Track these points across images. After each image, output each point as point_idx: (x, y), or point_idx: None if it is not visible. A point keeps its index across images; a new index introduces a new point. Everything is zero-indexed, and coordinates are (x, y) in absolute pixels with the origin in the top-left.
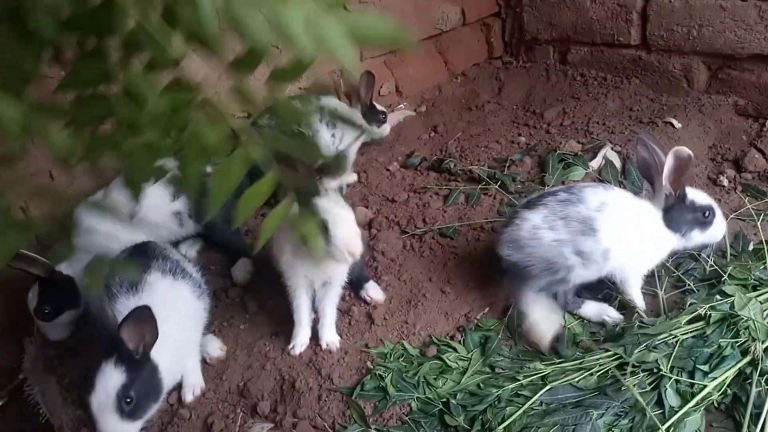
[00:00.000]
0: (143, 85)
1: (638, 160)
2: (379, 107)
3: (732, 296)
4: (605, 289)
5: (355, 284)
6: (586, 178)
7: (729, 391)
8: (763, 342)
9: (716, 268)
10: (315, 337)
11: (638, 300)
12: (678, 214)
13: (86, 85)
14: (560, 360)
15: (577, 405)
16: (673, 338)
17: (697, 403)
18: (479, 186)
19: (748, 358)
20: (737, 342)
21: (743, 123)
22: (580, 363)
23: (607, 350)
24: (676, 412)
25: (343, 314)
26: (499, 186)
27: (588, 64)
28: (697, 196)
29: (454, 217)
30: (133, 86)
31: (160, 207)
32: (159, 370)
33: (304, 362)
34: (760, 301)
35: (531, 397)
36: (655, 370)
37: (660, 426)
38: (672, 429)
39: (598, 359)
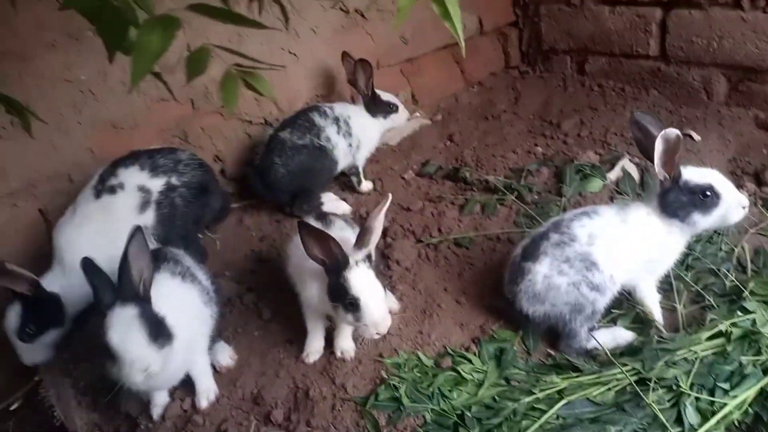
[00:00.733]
0: None
1: (634, 141)
2: (385, 96)
3: (753, 312)
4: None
5: None
6: (604, 189)
7: (750, 410)
8: None
9: (737, 283)
10: (329, 345)
11: (656, 312)
12: (673, 198)
13: None
14: (577, 374)
15: (594, 420)
16: (693, 354)
17: (718, 422)
18: (495, 196)
19: None
20: (759, 360)
21: (764, 136)
22: (597, 377)
23: (625, 364)
24: (696, 430)
25: None
26: (515, 196)
27: (606, 74)
28: (695, 175)
29: (469, 226)
30: None
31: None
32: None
33: (317, 371)
34: None
35: (547, 411)
36: (674, 387)
37: None
38: None
39: (615, 374)
